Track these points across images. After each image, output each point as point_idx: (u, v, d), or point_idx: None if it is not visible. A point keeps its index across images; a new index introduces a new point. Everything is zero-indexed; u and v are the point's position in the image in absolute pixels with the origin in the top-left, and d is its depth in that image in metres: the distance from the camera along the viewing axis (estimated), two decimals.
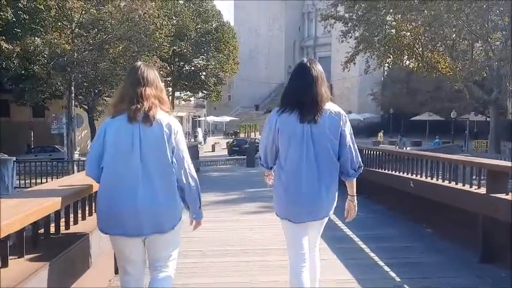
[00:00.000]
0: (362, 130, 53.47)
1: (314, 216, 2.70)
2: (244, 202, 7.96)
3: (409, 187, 6.05)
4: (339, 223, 6.05)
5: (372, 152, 8.44)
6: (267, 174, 2.90)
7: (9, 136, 25.25)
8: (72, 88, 21.17)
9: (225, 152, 34.49)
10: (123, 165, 2.38)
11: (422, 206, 5.88)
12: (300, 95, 2.60)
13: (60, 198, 2.60)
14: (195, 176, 2.58)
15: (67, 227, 3.00)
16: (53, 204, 2.51)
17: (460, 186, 5.01)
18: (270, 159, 2.74)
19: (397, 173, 6.83)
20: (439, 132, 40.94)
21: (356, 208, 2.82)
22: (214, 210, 7.20)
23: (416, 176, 6.13)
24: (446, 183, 5.36)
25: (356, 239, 5.41)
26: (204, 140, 42.31)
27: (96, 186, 2.69)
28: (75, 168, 17.24)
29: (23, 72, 20.36)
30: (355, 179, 2.78)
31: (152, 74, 2.56)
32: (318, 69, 2.67)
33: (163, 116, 2.44)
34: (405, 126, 49.97)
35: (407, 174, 6.43)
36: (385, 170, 7.51)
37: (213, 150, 35.43)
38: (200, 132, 42.73)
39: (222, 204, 7.89)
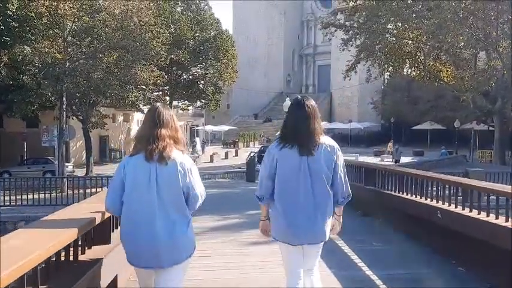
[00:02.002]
0: (362, 139, 52.88)
1: (310, 240, 2.91)
2: (246, 229, 7.18)
3: (436, 217, 5.29)
4: (358, 260, 5.29)
5: (386, 173, 7.65)
6: (264, 218, 3.08)
7: (2, 147, 24.49)
8: (64, 99, 20.34)
9: (224, 163, 33.74)
10: (141, 200, 2.62)
11: (452, 239, 5.11)
12: (297, 130, 2.86)
13: (64, 237, 2.63)
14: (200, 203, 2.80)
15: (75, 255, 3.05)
16: (57, 243, 2.50)
17: (495, 220, 4.27)
18: (268, 189, 2.93)
19: (419, 199, 6.05)
20: (441, 141, 40.31)
21: (340, 225, 3.12)
22: (213, 241, 6.43)
23: (443, 204, 5.37)
24: (476, 214, 4.63)
25: (378, 281, 4.62)
26: (202, 149, 41.56)
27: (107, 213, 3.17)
28: (66, 182, 16.41)
29: (11, 82, 19.50)
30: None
31: (168, 115, 2.76)
32: (312, 105, 2.92)
33: (178, 155, 2.66)
34: (406, 135, 49.35)
35: (432, 201, 5.67)
36: (403, 193, 6.73)
37: (212, 161, 34.64)
38: (198, 142, 42.01)
39: (221, 232, 7.11)
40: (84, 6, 19.50)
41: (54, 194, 15.23)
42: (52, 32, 20.51)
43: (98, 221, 3.21)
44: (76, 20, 19.73)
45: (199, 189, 2.72)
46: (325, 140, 2.87)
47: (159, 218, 2.58)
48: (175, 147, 2.68)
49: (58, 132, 20.21)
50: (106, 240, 3.55)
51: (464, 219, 4.70)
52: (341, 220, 3.10)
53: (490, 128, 33.47)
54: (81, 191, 14.64)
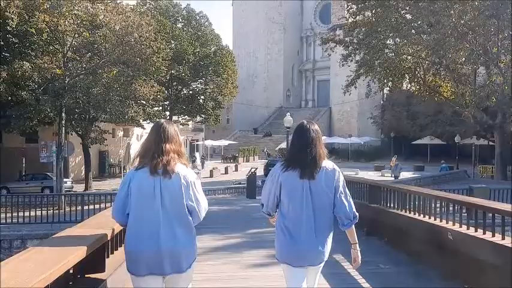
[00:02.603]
0: (362, 154, 52.69)
1: (311, 262, 2.97)
2: (248, 249, 6.97)
3: (446, 238, 5.10)
4: (364, 284, 5.09)
5: (391, 191, 7.46)
6: (270, 218, 3.19)
7: (1, 163, 24.26)
8: (63, 114, 20.17)
9: (224, 178, 33.50)
10: (146, 211, 2.71)
11: (464, 262, 4.90)
12: (301, 154, 2.95)
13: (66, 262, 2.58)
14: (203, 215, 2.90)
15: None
16: (58, 270, 2.43)
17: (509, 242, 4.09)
18: (271, 208, 3.06)
19: (427, 219, 5.86)
20: (441, 156, 40.13)
21: (360, 255, 3.08)
22: (214, 262, 6.21)
23: (454, 224, 5.18)
24: (490, 237, 4.44)
25: None
26: (202, 165, 41.34)
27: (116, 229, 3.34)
28: (63, 199, 16.16)
29: (10, 98, 19.33)
30: (353, 227, 3.04)
31: (172, 130, 2.89)
32: (315, 129, 3.03)
33: (181, 169, 2.77)
34: (406, 150, 49.23)
35: (442, 221, 5.48)
36: (410, 212, 6.54)
37: (211, 176, 34.41)
38: (198, 156, 41.83)
39: (222, 253, 6.88)
40: (84, 22, 19.46)
41: (51, 211, 14.99)
42: (52, 48, 20.45)
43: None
44: (76, 35, 19.68)
45: (202, 202, 2.84)
46: (327, 164, 2.98)
47: (164, 229, 2.68)
48: (179, 161, 2.79)
49: (57, 148, 20.00)
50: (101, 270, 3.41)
51: (477, 242, 4.51)
52: (358, 249, 3.06)
53: (490, 143, 33.35)
54: (79, 207, 14.41)
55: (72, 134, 26.17)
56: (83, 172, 30.16)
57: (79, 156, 31.01)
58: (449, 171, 31.44)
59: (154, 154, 2.75)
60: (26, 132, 22.83)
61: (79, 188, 27.95)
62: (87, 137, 25.63)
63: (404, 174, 35.23)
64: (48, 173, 25.64)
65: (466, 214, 5.16)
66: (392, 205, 7.36)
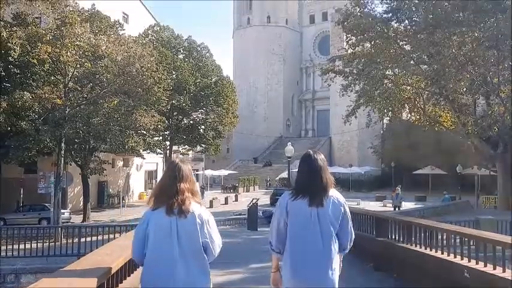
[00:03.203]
0: (363, 184, 52.31)
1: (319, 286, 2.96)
2: (251, 284, 6.66)
3: (462, 276, 4.84)
4: None
5: (400, 223, 7.20)
6: (275, 270, 3.14)
7: None
8: (63, 145, 20.01)
9: (224, 209, 33.09)
10: (163, 251, 2.80)
11: None
12: (309, 183, 3.01)
13: None
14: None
15: None
16: None
17: None
18: (281, 240, 3.03)
19: (440, 254, 5.59)
20: (442, 186, 39.78)
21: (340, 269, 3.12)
22: None
23: (469, 261, 4.91)
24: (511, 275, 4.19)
25: None
26: (202, 195, 40.78)
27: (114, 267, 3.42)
28: (60, 231, 15.78)
29: (9, 128, 19.19)
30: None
31: (187, 169, 2.98)
32: (322, 158, 3.12)
33: (196, 207, 2.86)
34: (407, 180, 48.84)
35: (456, 257, 5.22)
36: (420, 247, 6.27)
37: (211, 206, 33.98)
38: (198, 187, 41.45)
39: None
40: (86, 53, 19.58)
41: (47, 243, 14.61)
42: (54, 78, 20.50)
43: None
44: (78, 66, 19.77)
45: (217, 239, 2.91)
46: (334, 193, 3.03)
47: (180, 267, 2.77)
48: (193, 199, 2.88)
49: (55, 178, 19.74)
50: None
51: (497, 281, 4.25)
52: (341, 265, 3.17)
53: (492, 173, 33.09)
54: (76, 240, 14.05)
55: (71, 164, 25.96)
56: (82, 203, 29.77)
57: (78, 186, 30.69)
58: (452, 202, 31.05)
59: (170, 194, 2.85)
60: (24, 162, 22.57)
61: (77, 219, 27.51)
62: (86, 167, 25.39)
63: (407, 205, 34.78)
64: (46, 204, 25.26)
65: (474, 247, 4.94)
66: (401, 238, 7.09)
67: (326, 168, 3.07)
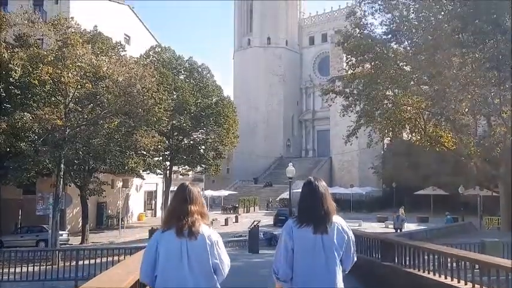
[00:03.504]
0: (365, 205, 51.91)
1: None
2: None
3: None
4: None
5: (407, 248, 6.98)
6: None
7: None
8: (62, 166, 19.86)
9: (224, 230, 32.70)
10: (174, 272, 2.84)
11: None
12: (312, 211, 3.07)
13: None
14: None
15: None
16: None
17: None
18: (287, 268, 3.04)
19: (450, 281, 5.39)
20: (444, 207, 39.44)
21: None
22: None
23: None
24: None
25: None
26: None
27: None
28: (58, 254, 15.49)
29: (8, 149, 19.07)
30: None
31: (196, 192, 3.07)
32: (323, 185, 3.18)
33: (205, 229, 2.92)
34: (409, 201, 48.47)
35: (467, 284, 5.02)
36: (429, 273, 6.07)
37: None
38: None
39: None
40: (88, 74, 19.62)
41: (44, 266, 14.31)
42: (54, 99, 20.50)
43: None
44: (79, 87, 19.79)
45: (226, 260, 2.97)
46: (337, 220, 3.09)
47: (191, 286, 2.82)
48: (203, 221, 2.95)
49: (54, 200, 19.52)
50: None
51: None
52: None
53: (494, 194, 32.82)
54: (73, 262, 13.75)
55: (70, 186, 25.75)
56: (80, 224, 29.44)
57: (77, 207, 30.40)
58: (455, 223, 30.71)
59: (180, 216, 2.92)
60: (22, 184, 22.37)
61: (75, 240, 27.16)
62: (85, 188, 25.19)
63: (409, 226, 34.39)
64: (44, 226, 24.95)
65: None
66: (407, 263, 6.88)
67: (328, 195, 3.14)
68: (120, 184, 35.44)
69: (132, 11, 43.97)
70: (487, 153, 21.02)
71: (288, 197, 44.98)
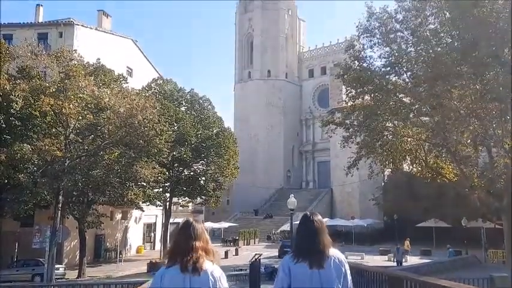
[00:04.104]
0: (366, 237, 51.10)
1: None
2: None
3: None
4: None
5: (415, 284, 6.72)
6: None
7: None
8: (60, 197, 19.63)
9: (224, 263, 32.09)
10: None
11: None
12: (307, 246, 3.14)
13: None
14: None
15: None
16: None
17: None
18: None
19: None
20: (447, 239, 38.88)
21: None
22: None
23: None
24: None
25: None
26: None
27: None
28: None
29: (6, 181, 18.86)
30: None
31: (200, 228, 3.13)
32: (318, 220, 3.27)
33: (209, 265, 2.98)
34: (411, 233, 47.81)
35: None
36: None
37: None
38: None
39: None
40: (89, 105, 19.69)
41: None
42: (55, 130, 20.48)
43: None
44: (80, 118, 19.82)
45: None
46: (334, 253, 3.15)
47: None
48: (207, 258, 2.99)
49: (51, 233, 19.17)
50: None
51: None
52: None
53: (497, 226, 32.37)
54: None
55: (68, 218, 25.40)
56: (78, 257, 28.86)
57: (74, 240, 29.89)
58: (459, 257, 30.18)
59: (185, 252, 2.97)
60: (20, 216, 22.02)
61: (72, 274, 26.54)
62: (83, 220, 24.82)
63: (412, 259, 33.82)
64: (40, 259, 24.44)
65: None
66: None
67: (323, 230, 3.20)
68: (119, 216, 35.07)
69: (136, 44, 44.73)
70: (490, 185, 20.81)
71: (288, 229, 44.46)
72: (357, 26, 24.44)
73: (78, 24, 35.40)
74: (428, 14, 21.82)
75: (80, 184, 21.07)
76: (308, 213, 3.33)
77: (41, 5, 38.85)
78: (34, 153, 18.16)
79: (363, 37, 25.27)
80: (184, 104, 39.55)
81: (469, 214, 36.59)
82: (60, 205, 19.82)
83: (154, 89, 37.64)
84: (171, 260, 2.99)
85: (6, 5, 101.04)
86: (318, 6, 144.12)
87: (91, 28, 37.38)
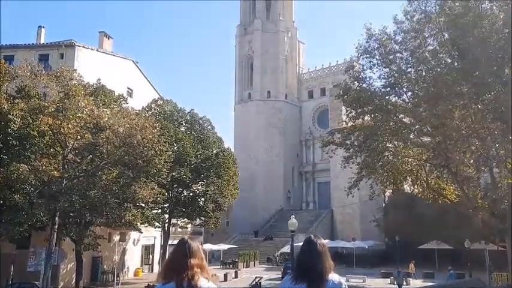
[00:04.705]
0: (368, 259, 50.38)
1: None
2: None
3: None
4: None
5: None
6: None
7: None
8: (57, 219, 19.29)
9: (224, 286, 31.51)
10: None
11: None
12: (307, 269, 3.18)
13: None
14: None
15: None
16: None
17: None
18: None
19: None
20: (449, 262, 38.27)
21: None
22: None
23: None
24: None
25: None
26: None
27: None
28: None
29: (1, 202, 18.54)
30: None
31: (196, 246, 3.21)
32: (322, 243, 3.28)
33: (204, 282, 3.05)
34: (413, 255, 47.14)
35: None
36: None
37: None
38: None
39: None
40: (88, 125, 19.56)
41: None
42: (53, 150, 20.29)
43: None
44: (79, 137, 19.65)
45: None
46: (333, 277, 3.16)
47: None
48: (202, 275, 3.05)
49: (46, 255, 18.76)
50: None
51: None
52: None
53: (500, 248, 31.89)
54: None
55: (64, 240, 24.95)
56: (74, 280, 28.28)
57: (71, 262, 29.32)
58: (463, 280, 29.63)
59: (180, 269, 3.01)
60: (15, 238, 21.58)
61: None
62: (80, 242, 24.38)
63: (416, 283, 33.23)
64: (35, 282, 23.88)
65: None
66: None
67: (326, 254, 3.21)
68: (117, 238, 34.55)
69: (136, 65, 44.98)
70: (495, 206, 20.55)
71: (289, 251, 43.83)
72: (357, 47, 24.58)
73: (79, 46, 35.63)
74: (427, 35, 21.97)
75: (77, 205, 20.74)
76: (312, 236, 3.37)
77: (43, 27, 39.20)
78: (31, 173, 17.91)
79: (363, 58, 25.39)
80: (184, 124, 39.50)
81: (471, 236, 36.14)
82: (56, 227, 19.46)
83: (155, 109, 37.63)
84: (166, 277, 3.04)
85: (8, 26, 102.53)
86: (318, 29, 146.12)
87: (92, 49, 37.63)
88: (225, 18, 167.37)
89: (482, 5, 19.04)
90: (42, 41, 38.06)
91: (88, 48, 36.97)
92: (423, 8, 21.86)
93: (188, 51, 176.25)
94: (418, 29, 21.57)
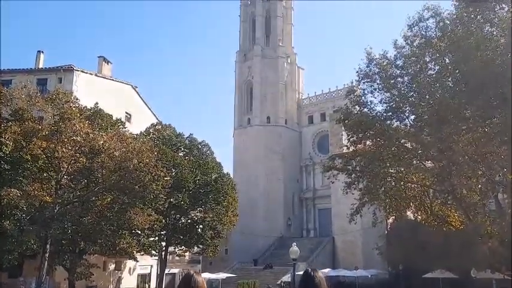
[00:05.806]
0: None
1: None
2: None
3: None
4: None
5: None
6: None
7: None
8: (48, 246, 18.53)
9: None
10: None
11: None
12: None
13: None
14: None
15: None
16: None
17: None
18: None
19: None
20: None
21: None
22: None
23: None
24: None
25: None
26: None
27: None
28: None
29: None
30: None
31: (200, 280, 3.58)
32: (320, 277, 3.59)
33: None
34: (418, 284, 45.85)
35: None
36: None
37: None
38: None
39: None
40: (83, 148, 19.06)
41: None
42: (46, 175, 19.75)
43: None
44: (73, 161, 19.12)
45: None
46: None
47: None
48: None
49: (36, 285, 17.92)
50: None
51: None
52: None
53: (506, 277, 30.90)
54: None
55: (56, 269, 24.06)
56: None
57: None
58: None
59: None
60: (2, 266, 20.74)
61: None
62: (73, 271, 23.50)
63: None
64: None
65: None
66: None
67: (323, 287, 3.47)
68: (112, 266, 33.54)
69: (135, 90, 44.89)
70: (505, 233, 19.88)
71: (289, 279, 42.59)
72: (357, 71, 24.39)
73: (77, 70, 35.56)
74: (428, 59, 21.80)
75: (70, 232, 20.02)
76: (310, 269, 3.59)
77: (42, 52, 39.26)
78: (22, 198, 17.29)
79: (363, 82, 25.17)
80: (182, 149, 39.04)
81: (476, 264, 35.14)
82: (47, 255, 18.67)
83: (153, 134, 37.26)
84: None
85: (7, 51, 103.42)
86: (318, 54, 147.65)
87: (91, 74, 37.57)
88: (225, 44, 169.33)
89: (484, 30, 18.91)
90: (41, 66, 38.03)
91: (87, 72, 36.90)
92: (423, 33, 21.77)
93: (188, 76, 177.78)
94: (418, 53, 21.42)
